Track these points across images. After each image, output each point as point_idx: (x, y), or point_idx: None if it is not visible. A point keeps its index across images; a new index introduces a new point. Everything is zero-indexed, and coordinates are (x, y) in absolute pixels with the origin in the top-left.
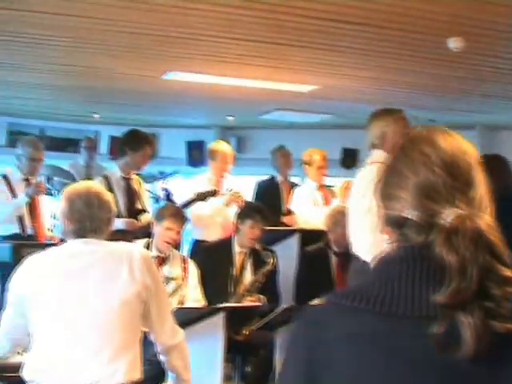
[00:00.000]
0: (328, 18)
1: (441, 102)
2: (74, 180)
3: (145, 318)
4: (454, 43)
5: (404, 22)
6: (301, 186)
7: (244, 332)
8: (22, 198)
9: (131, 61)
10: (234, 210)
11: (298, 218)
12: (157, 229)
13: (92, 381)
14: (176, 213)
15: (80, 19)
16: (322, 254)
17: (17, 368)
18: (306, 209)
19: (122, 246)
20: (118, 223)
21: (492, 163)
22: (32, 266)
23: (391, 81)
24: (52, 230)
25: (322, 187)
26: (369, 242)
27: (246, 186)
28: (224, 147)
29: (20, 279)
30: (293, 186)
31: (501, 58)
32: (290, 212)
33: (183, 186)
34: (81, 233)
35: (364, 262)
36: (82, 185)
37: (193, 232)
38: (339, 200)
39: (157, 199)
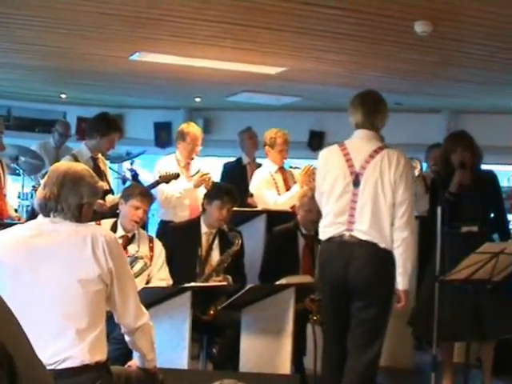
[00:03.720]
0: (298, 0)
1: (409, 86)
2: (41, 161)
3: (108, 300)
4: (422, 27)
5: (373, 6)
6: (260, 168)
7: (210, 312)
8: None
9: (99, 41)
10: (202, 192)
11: (256, 199)
12: (124, 208)
13: (55, 361)
14: (143, 192)
15: None
16: (290, 234)
17: None
18: (264, 191)
19: (86, 227)
20: None
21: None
22: None
23: (360, 64)
24: (17, 211)
25: (282, 170)
26: None
27: (212, 167)
28: (194, 128)
29: None
30: (259, 167)
31: (468, 42)
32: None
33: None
34: (45, 210)
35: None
36: (65, 165)
37: (160, 213)
38: (299, 184)
39: (124, 180)
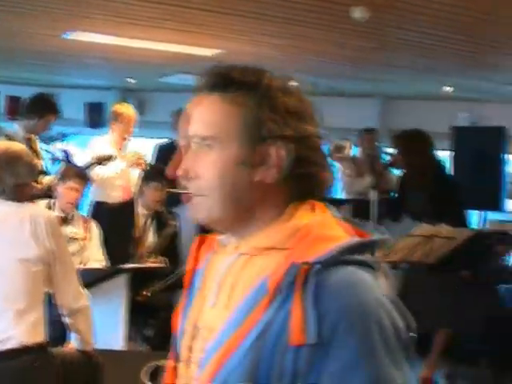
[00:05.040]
0: None
1: (344, 70)
2: None
3: (49, 281)
4: (358, 12)
5: None
6: None
7: (145, 293)
8: None
9: (31, 18)
10: (135, 173)
11: None
12: (60, 189)
13: None
14: (79, 173)
15: None
16: None
17: None
18: None
19: (26, 207)
20: None
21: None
22: None
23: (296, 48)
24: None
25: None
26: None
27: (146, 148)
28: (127, 109)
29: None
30: None
31: (406, 29)
32: None
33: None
34: None
35: None
36: (4, 145)
37: (93, 193)
38: None
39: (55, 160)
